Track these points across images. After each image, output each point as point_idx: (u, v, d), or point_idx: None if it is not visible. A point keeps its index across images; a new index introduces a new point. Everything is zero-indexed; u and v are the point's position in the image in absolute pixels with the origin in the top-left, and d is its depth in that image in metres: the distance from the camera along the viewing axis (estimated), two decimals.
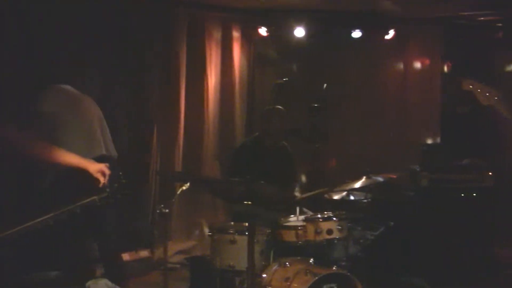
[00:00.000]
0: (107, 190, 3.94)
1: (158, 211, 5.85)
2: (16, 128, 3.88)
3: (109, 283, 5.73)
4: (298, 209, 5.58)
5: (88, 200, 3.87)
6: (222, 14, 8.44)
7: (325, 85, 6.58)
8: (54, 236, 5.55)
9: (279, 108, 6.37)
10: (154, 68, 7.78)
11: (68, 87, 5.96)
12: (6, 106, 5.07)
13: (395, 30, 8.59)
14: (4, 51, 6.09)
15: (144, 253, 7.34)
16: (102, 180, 3.98)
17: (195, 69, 8.22)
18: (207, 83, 8.29)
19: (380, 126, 9.05)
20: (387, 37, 8.66)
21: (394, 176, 6.39)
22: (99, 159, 5.39)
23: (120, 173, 4.08)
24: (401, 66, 9.27)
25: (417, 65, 9.25)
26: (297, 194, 6.37)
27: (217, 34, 8.43)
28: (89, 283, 5.70)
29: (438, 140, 8.96)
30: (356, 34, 8.55)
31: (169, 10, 7.91)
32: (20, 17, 6.39)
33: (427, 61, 9.22)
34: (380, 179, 6.14)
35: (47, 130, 5.60)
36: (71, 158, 4.17)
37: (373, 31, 8.69)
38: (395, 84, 9.25)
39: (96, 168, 4.04)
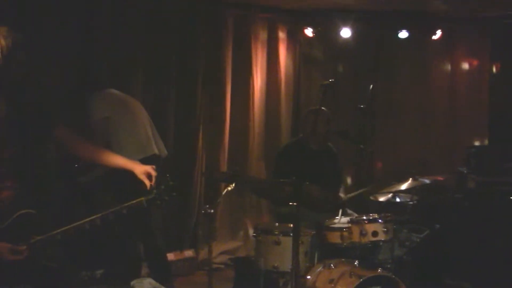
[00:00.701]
0: (154, 191, 3.95)
1: (203, 211, 5.89)
2: (68, 131, 3.93)
3: (154, 282, 5.79)
4: (341, 210, 5.56)
5: (135, 201, 3.88)
6: (268, 15, 8.44)
7: (371, 85, 6.52)
8: (101, 235, 5.64)
9: (322, 109, 6.28)
10: (200, 68, 7.81)
11: (114, 91, 6.08)
12: (61, 110, 5.16)
13: (442, 30, 8.49)
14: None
15: (188, 253, 7.39)
16: (147, 182, 3.99)
17: (241, 70, 8.24)
18: (252, 84, 8.30)
19: (427, 127, 8.96)
20: (434, 37, 8.56)
21: (441, 178, 6.33)
22: (151, 159, 5.48)
23: (168, 174, 4.09)
24: (448, 66, 9.15)
25: (465, 65, 9.14)
26: (342, 195, 6.33)
27: (263, 35, 8.44)
28: (134, 282, 5.77)
29: (486, 142, 8.84)
30: (403, 34, 8.46)
31: (215, 11, 7.95)
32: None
33: (475, 62, 9.10)
34: (427, 181, 6.08)
35: (101, 134, 5.74)
36: (117, 160, 4.20)
37: (420, 31, 8.60)
38: (443, 85, 9.14)
39: (142, 170, 4.06)
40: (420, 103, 9.00)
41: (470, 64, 9.10)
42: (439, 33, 8.50)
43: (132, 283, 5.81)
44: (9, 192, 3.66)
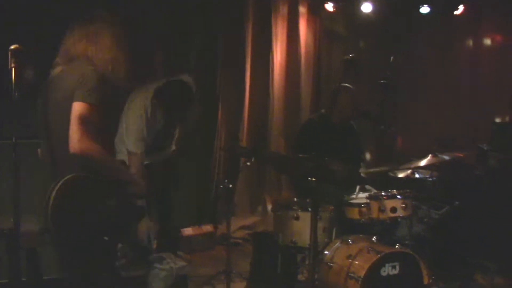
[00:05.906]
0: None
1: (222, 186, 5.90)
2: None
3: (173, 256, 5.80)
4: (358, 187, 5.53)
5: None
6: None
7: (392, 57, 6.45)
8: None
9: (348, 86, 6.25)
10: (220, 44, 7.77)
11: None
12: None
13: (464, 5, 8.37)
14: None
15: (207, 228, 7.41)
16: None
17: (261, 45, 8.21)
18: (272, 59, 8.27)
19: (450, 104, 8.87)
20: (457, 12, 8.45)
21: (462, 155, 6.25)
22: None
23: None
24: (471, 42, 9.04)
25: (488, 41, 9.00)
26: (362, 172, 6.30)
27: (283, 10, 8.40)
28: (152, 256, 5.78)
29: (508, 119, 8.72)
30: (424, 9, 8.39)
31: None
32: None
33: (499, 37, 8.95)
34: (447, 157, 6.03)
35: None
36: None
37: (442, 6, 8.48)
38: (466, 61, 9.04)
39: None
40: (443, 79, 8.90)
41: (494, 40, 8.96)
42: (461, 8, 8.38)
43: (150, 257, 5.83)
44: None
